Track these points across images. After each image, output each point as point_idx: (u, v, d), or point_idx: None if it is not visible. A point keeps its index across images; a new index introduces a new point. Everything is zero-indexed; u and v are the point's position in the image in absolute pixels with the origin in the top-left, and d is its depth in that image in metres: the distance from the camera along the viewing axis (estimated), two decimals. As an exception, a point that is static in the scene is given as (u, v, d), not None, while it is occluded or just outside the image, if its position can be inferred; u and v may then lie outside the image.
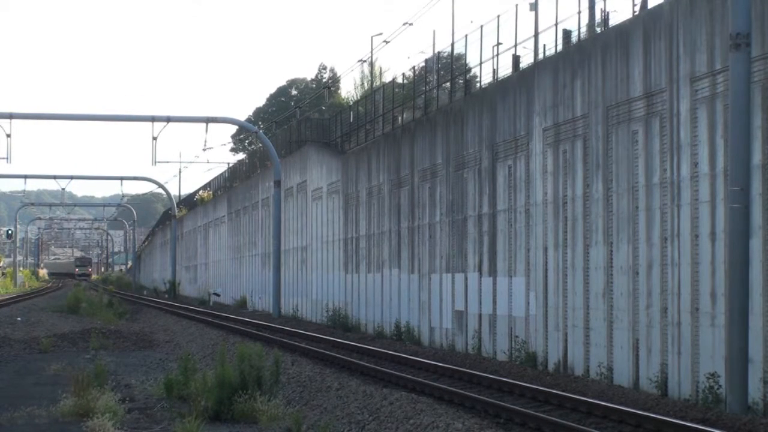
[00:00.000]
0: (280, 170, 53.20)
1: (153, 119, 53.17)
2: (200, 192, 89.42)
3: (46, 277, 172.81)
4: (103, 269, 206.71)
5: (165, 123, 53.03)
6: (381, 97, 43.81)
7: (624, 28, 23.65)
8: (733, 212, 18.84)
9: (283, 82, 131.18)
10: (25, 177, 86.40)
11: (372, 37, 77.51)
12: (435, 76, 37.97)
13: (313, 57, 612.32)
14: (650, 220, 22.18)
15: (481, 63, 32.39)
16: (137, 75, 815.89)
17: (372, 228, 40.61)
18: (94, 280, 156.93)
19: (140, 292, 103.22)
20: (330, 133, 51.58)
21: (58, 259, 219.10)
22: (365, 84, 79.72)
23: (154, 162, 55.61)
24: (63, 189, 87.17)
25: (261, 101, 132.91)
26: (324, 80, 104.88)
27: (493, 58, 31.65)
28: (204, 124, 54.32)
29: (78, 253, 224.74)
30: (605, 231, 23.96)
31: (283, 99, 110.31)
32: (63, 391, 20.58)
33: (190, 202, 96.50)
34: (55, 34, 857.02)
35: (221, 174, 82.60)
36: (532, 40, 29.23)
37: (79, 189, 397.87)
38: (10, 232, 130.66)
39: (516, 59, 30.36)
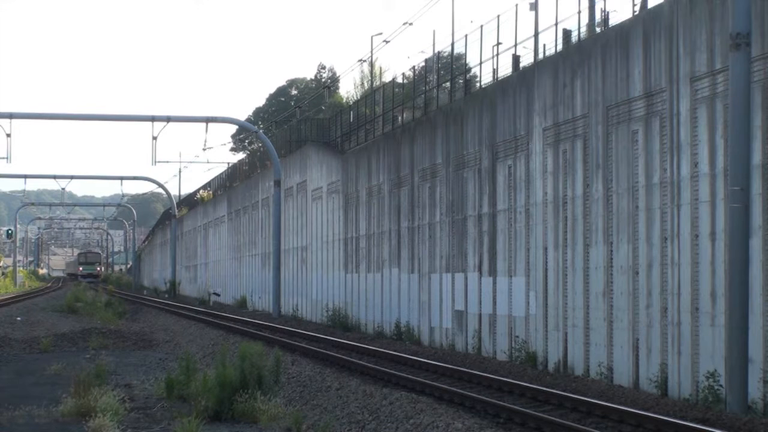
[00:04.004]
0: (280, 170, 53.20)
1: (153, 119, 53.14)
2: (200, 192, 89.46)
3: (47, 276, 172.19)
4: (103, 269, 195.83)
5: (165, 123, 53.01)
6: (381, 96, 43.81)
7: (624, 27, 23.66)
8: (733, 212, 18.85)
9: (282, 82, 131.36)
10: (25, 177, 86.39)
11: (372, 37, 77.64)
12: (435, 76, 37.97)
13: (313, 57, 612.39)
14: (650, 220, 22.19)
15: (481, 63, 32.41)
16: (137, 75, 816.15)
17: (372, 228, 40.62)
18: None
19: (140, 291, 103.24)
20: (330, 132, 51.59)
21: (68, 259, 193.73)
22: (365, 84, 79.74)
23: (154, 162, 55.60)
24: (63, 189, 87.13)
25: (261, 101, 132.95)
26: (324, 80, 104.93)
27: (493, 57, 31.68)
28: (204, 124, 54.29)
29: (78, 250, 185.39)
30: (605, 231, 23.96)
31: (282, 99, 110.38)
32: (63, 391, 20.58)
33: (190, 201, 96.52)
34: (55, 34, 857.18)
35: (221, 174, 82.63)
36: (532, 40, 29.26)
37: (79, 189, 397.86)
38: (10, 232, 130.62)
39: (516, 59, 30.37)
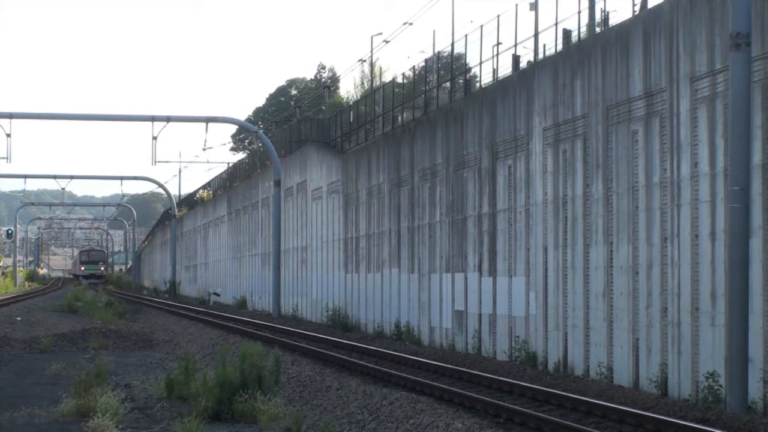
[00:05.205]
0: (280, 170, 53.21)
1: (153, 119, 53.18)
2: (200, 192, 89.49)
3: (46, 277, 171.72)
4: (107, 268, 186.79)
5: (165, 123, 53.05)
6: (381, 96, 43.81)
7: (624, 27, 23.66)
8: (733, 212, 18.85)
9: (282, 82, 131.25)
10: (25, 177, 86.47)
11: (372, 37, 77.51)
12: (435, 76, 37.97)
13: (313, 57, 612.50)
14: (650, 220, 22.19)
15: (481, 63, 32.41)
16: (137, 75, 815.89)
17: (372, 228, 40.61)
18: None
19: (140, 291, 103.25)
20: (330, 132, 51.60)
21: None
22: (365, 84, 79.69)
23: (154, 162, 55.66)
24: (63, 189, 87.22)
25: (261, 101, 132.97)
26: (323, 80, 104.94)
27: (493, 57, 31.67)
28: (204, 124, 54.34)
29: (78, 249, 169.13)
30: (605, 231, 23.96)
31: (282, 99, 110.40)
32: (63, 391, 20.57)
33: (190, 201, 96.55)
34: (55, 34, 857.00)
35: (221, 174, 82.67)
36: (532, 39, 29.26)
37: (79, 189, 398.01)
38: (10, 232, 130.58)
39: (516, 59, 30.37)
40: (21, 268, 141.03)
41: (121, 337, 37.70)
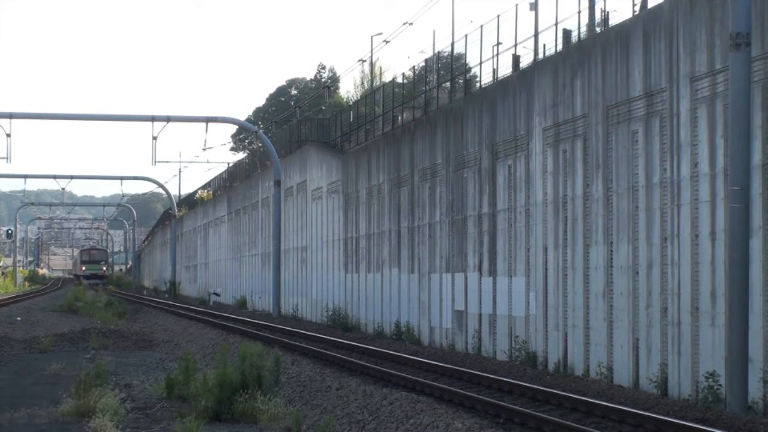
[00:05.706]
0: (280, 170, 53.22)
1: (153, 119, 53.20)
2: (200, 192, 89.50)
3: (46, 277, 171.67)
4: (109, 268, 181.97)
5: (165, 123, 53.07)
6: (381, 96, 43.82)
7: (624, 27, 23.66)
8: (733, 212, 18.85)
9: (282, 82, 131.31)
10: (25, 177, 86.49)
11: (372, 37, 77.62)
12: (435, 76, 37.98)
13: (313, 57, 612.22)
14: (650, 220, 22.19)
15: (481, 63, 32.41)
16: (137, 75, 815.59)
17: (372, 228, 40.62)
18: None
19: (140, 291, 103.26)
20: (330, 132, 51.60)
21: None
22: (365, 84, 79.69)
23: (154, 162, 55.67)
24: (63, 189, 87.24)
25: (261, 101, 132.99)
26: (323, 80, 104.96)
27: (493, 57, 31.68)
28: (204, 124, 54.36)
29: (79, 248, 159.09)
30: (605, 231, 23.97)
31: (282, 99, 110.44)
32: (63, 391, 20.57)
33: (190, 201, 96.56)
34: (55, 34, 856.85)
35: (221, 174, 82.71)
36: (532, 39, 29.26)
37: (79, 189, 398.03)
38: (10, 232, 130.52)
39: (516, 59, 30.37)
40: (21, 268, 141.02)
41: (121, 337, 37.69)
